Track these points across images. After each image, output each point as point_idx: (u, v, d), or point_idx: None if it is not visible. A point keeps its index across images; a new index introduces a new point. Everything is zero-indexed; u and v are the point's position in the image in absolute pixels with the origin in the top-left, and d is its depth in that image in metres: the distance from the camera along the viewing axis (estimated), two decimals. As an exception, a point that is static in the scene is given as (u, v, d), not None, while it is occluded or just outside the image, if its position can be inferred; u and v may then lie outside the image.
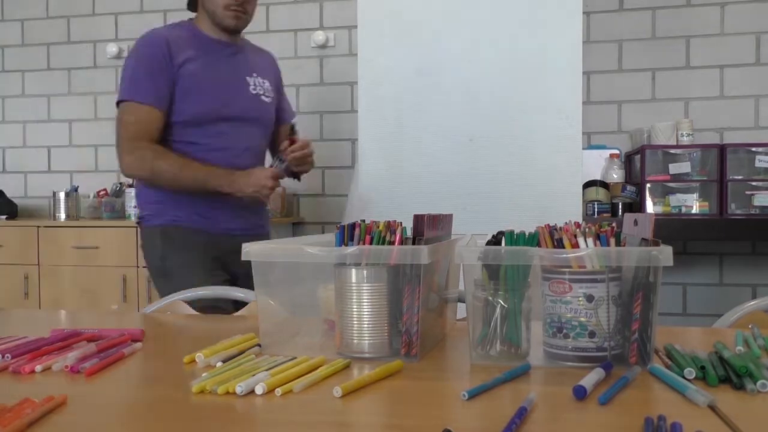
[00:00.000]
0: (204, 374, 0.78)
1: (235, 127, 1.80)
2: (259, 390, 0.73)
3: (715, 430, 0.61)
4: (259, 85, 1.87)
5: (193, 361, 0.88)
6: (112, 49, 3.54)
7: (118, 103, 1.76)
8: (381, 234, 0.88)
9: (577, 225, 0.85)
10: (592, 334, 0.81)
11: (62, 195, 3.24)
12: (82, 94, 3.65)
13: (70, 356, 0.86)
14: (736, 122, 3.01)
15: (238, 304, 1.46)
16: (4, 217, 3.33)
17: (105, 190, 3.42)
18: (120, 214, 3.31)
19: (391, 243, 0.87)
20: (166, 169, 1.72)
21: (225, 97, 1.79)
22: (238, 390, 0.72)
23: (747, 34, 3.01)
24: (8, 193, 3.49)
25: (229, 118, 1.79)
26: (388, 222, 0.90)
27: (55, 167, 3.70)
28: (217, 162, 1.76)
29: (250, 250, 0.91)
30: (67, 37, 3.66)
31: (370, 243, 0.88)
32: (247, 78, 1.85)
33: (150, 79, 1.72)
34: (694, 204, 2.77)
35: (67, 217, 3.23)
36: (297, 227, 3.42)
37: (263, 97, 1.87)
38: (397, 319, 0.87)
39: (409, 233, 0.90)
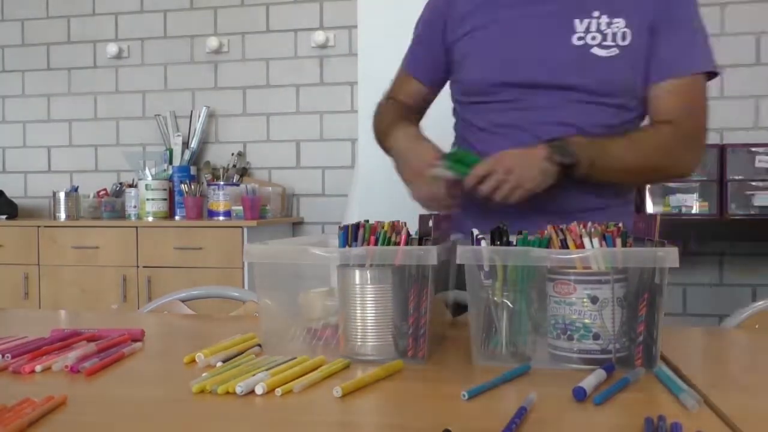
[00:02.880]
0: (204, 374, 0.78)
1: (528, 97, 1.25)
2: (259, 390, 0.72)
3: (715, 430, 0.61)
4: (595, 30, 1.23)
5: (194, 360, 0.87)
6: (112, 49, 3.54)
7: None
8: (386, 234, 0.88)
9: (584, 225, 0.84)
10: (596, 336, 0.80)
11: (62, 195, 3.24)
12: (82, 94, 3.65)
13: (70, 356, 0.86)
14: (736, 122, 3.01)
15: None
16: (4, 217, 3.33)
17: (105, 190, 3.42)
18: (120, 214, 3.31)
19: (397, 243, 0.87)
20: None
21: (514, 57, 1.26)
22: (238, 390, 0.72)
23: (747, 34, 3.00)
24: (8, 193, 3.49)
25: (518, 84, 1.25)
26: (393, 222, 0.90)
27: (55, 167, 3.70)
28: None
29: (252, 251, 0.91)
30: (67, 37, 3.66)
31: (375, 243, 0.87)
32: (576, 20, 1.23)
33: None
34: (694, 204, 2.77)
35: (67, 217, 3.23)
36: (297, 227, 3.42)
37: (596, 49, 1.21)
38: (402, 321, 0.87)
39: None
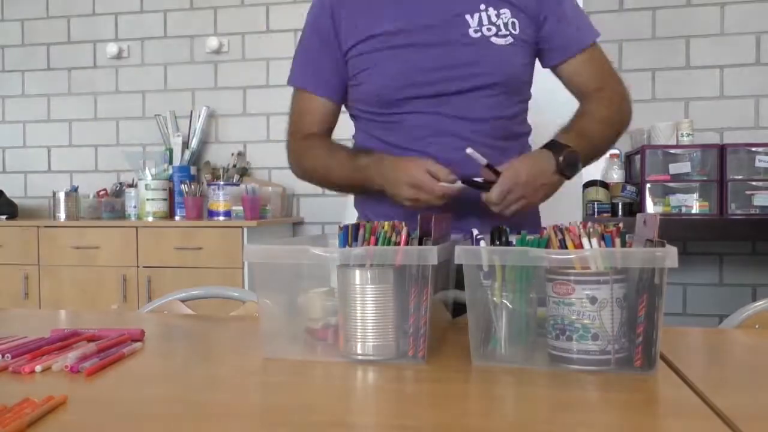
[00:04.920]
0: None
1: (441, 103, 1.24)
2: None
3: (715, 430, 0.61)
4: (486, 22, 1.24)
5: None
6: (112, 49, 3.54)
7: None
8: (386, 234, 0.88)
9: (584, 225, 0.84)
10: (595, 337, 0.80)
11: (62, 195, 3.24)
12: (82, 94, 3.65)
13: (70, 356, 0.86)
14: (736, 122, 3.01)
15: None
16: (4, 217, 3.32)
17: (105, 190, 3.42)
18: (120, 214, 3.31)
19: (397, 243, 0.87)
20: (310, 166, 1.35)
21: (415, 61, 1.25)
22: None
23: (747, 34, 3.00)
24: (8, 193, 3.49)
25: (430, 95, 1.24)
26: (393, 222, 0.90)
27: (55, 167, 3.70)
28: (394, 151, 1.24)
29: (252, 251, 0.91)
30: (67, 37, 3.66)
31: (375, 243, 0.87)
32: (467, 16, 1.24)
33: None
34: (694, 204, 2.77)
35: (67, 217, 3.22)
36: (297, 227, 3.42)
37: (495, 39, 1.23)
38: (402, 321, 0.87)
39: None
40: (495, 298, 0.84)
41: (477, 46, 1.23)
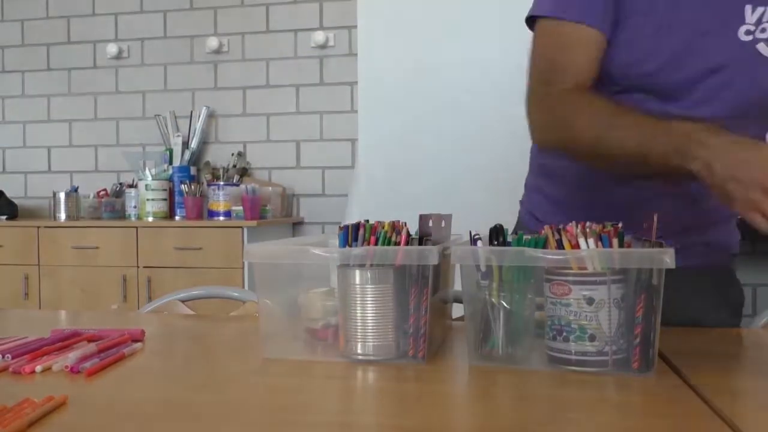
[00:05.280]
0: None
1: (692, 100, 1.02)
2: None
3: (715, 430, 0.61)
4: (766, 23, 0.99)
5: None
6: (112, 49, 3.54)
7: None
8: (386, 234, 0.88)
9: (582, 225, 0.83)
10: (592, 338, 0.80)
11: (62, 195, 3.24)
12: (82, 94, 3.65)
13: (71, 356, 0.86)
14: (736, 122, 3.01)
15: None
16: (4, 217, 3.33)
17: (105, 190, 3.42)
18: (120, 214, 3.31)
19: (397, 243, 0.87)
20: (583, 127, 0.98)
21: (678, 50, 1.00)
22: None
23: (747, 34, 3.00)
24: (8, 194, 3.49)
25: (679, 83, 1.01)
26: (393, 222, 0.90)
27: (55, 167, 3.70)
28: None
29: (252, 251, 0.91)
30: (67, 37, 3.66)
31: (375, 243, 0.87)
32: (747, 6, 0.99)
33: None
34: (694, 204, 2.76)
35: (67, 217, 3.23)
36: (297, 227, 3.42)
37: (763, 45, 1.00)
38: (402, 321, 0.87)
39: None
40: (492, 299, 0.84)
41: (741, 50, 0.99)
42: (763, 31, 0.99)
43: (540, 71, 1.06)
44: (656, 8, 1.00)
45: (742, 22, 0.99)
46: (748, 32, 0.99)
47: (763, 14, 0.99)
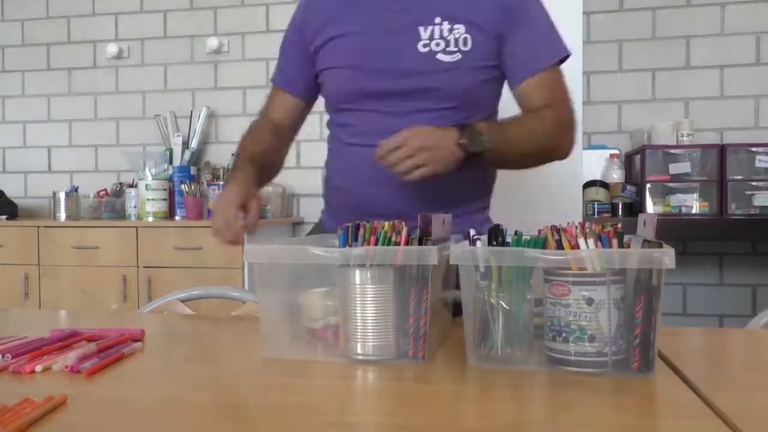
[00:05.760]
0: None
1: (386, 106, 1.29)
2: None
3: (715, 430, 0.61)
4: (438, 36, 1.26)
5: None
6: (112, 49, 3.54)
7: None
8: (386, 234, 0.88)
9: (582, 225, 0.83)
10: (592, 339, 0.80)
11: (62, 195, 3.24)
12: (82, 94, 3.65)
13: (71, 356, 0.86)
14: (736, 122, 3.01)
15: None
16: (4, 217, 3.33)
17: (105, 190, 3.42)
18: (120, 214, 3.31)
19: (397, 243, 0.87)
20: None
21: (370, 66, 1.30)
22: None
23: (747, 34, 3.00)
24: (8, 193, 3.49)
25: (374, 94, 1.30)
26: (393, 222, 0.90)
27: (55, 167, 3.70)
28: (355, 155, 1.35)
29: (252, 251, 0.91)
30: (67, 37, 3.66)
31: (375, 243, 0.87)
32: (420, 28, 1.27)
33: None
34: (694, 204, 2.77)
35: (67, 217, 3.23)
36: (297, 227, 3.42)
37: (441, 55, 1.26)
38: (402, 321, 0.87)
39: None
40: (491, 299, 0.84)
41: (423, 61, 1.26)
42: (437, 44, 1.26)
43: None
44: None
45: (419, 38, 1.26)
46: (425, 45, 1.26)
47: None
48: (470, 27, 1.25)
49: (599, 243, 0.81)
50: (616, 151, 3.01)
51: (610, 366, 0.79)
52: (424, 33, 1.26)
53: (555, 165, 1.42)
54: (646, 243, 0.84)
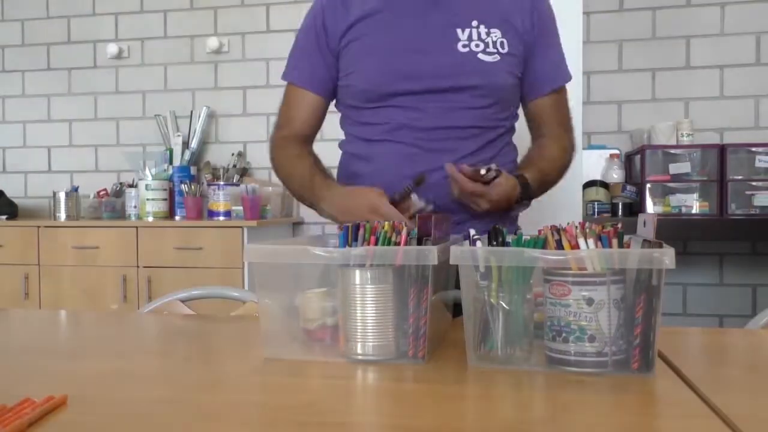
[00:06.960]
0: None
1: (419, 103, 1.30)
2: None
3: (715, 430, 0.61)
4: (476, 38, 1.30)
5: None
6: (112, 49, 3.54)
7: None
8: (386, 234, 0.88)
9: (582, 225, 0.83)
10: (592, 339, 0.79)
11: (62, 195, 3.24)
12: (82, 94, 3.65)
13: None
14: (736, 122, 3.01)
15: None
16: (4, 217, 3.33)
17: (105, 190, 3.42)
18: (120, 214, 3.31)
19: (397, 243, 0.87)
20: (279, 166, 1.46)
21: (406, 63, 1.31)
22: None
23: (747, 34, 3.01)
24: (8, 193, 3.49)
25: (411, 91, 1.30)
26: (393, 222, 0.90)
27: (55, 167, 3.70)
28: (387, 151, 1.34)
29: (252, 251, 0.91)
30: (67, 37, 3.66)
31: (375, 243, 0.87)
32: (458, 30, 1.31)
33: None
34: (694, 204, 2.77)
35: (67, 217, 3.23)
36: (297, 227, 3.42)
37: (482, 55, 1.30)
38: (402, 321, 0.87)
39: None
40: (491, 300, 0.84)
41: (464, 60, 1.29)
42: (477, 45, 1.30)
43: (277, 117, 1.50)
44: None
45: (458, 39, 1.30)
46: (464, 46, 1.30)
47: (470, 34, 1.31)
48: (505, 32, 1.32)
49: (599, 243, 0.81)
50: (616, 151, 3.01)
51: (610, 366, 0.79)
52: (462, 34, 1.30)
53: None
54: (646, 243, 0.84)
